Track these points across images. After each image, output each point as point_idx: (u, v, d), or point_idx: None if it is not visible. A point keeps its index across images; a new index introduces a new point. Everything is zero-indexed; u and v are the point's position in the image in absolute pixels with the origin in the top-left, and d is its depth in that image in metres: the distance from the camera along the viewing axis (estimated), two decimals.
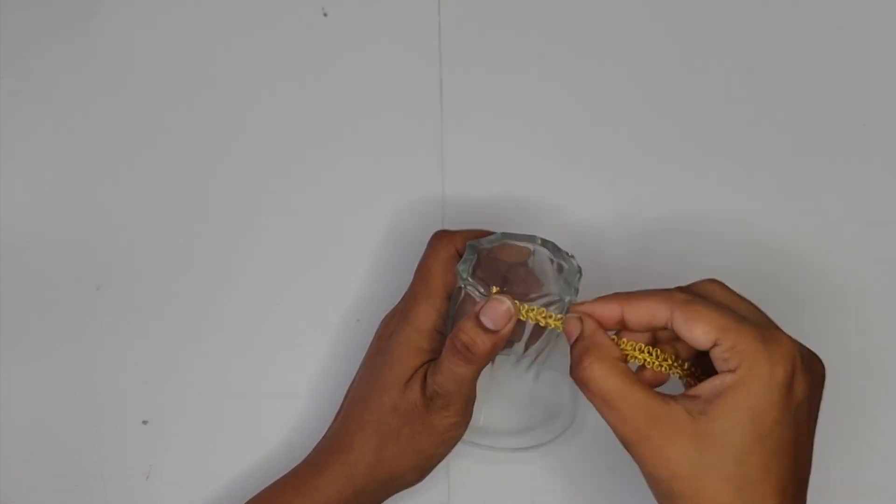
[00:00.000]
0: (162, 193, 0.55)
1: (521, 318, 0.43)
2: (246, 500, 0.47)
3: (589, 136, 0.56)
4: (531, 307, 0.43)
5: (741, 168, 0.56)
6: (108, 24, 0.57)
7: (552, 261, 0.46)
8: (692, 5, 0.57)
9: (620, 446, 0.40)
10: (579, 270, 0.45)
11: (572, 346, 0.42)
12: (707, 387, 0.39)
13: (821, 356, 0.42)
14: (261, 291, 0.54)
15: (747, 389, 0.38)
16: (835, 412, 0.45)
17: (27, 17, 0.56)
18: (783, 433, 0.38)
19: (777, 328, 0.41)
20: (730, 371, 0.38)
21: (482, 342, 0.42)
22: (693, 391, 0.39)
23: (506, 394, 0.50)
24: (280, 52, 0.57)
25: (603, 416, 0.40)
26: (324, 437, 0.48)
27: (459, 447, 0.47)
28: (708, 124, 0.57)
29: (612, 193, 0.56)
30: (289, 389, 0.54)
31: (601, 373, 0.40)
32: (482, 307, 0.43)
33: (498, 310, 0.42)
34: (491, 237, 0.46)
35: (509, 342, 0.45)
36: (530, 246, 0.46)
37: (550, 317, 0.43)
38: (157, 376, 0.53)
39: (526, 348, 0.46)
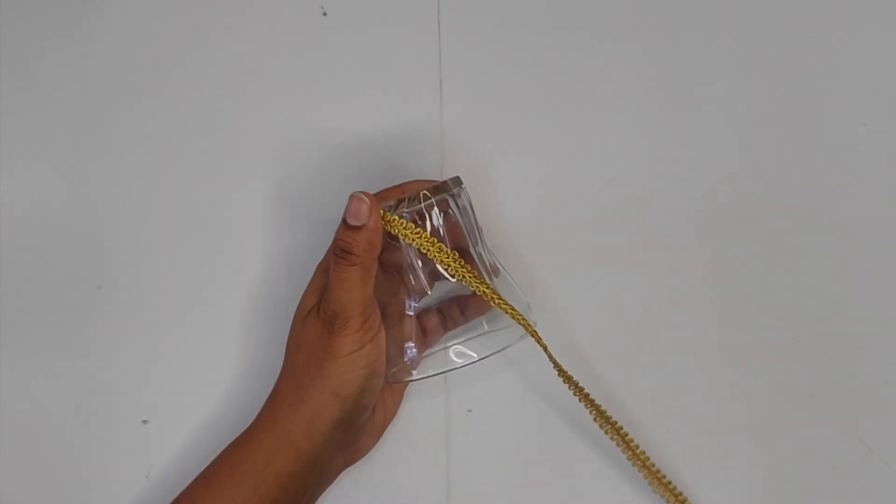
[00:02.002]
0: (163, 193, 0.55)
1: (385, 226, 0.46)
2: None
3: (589, 135, 0.56)
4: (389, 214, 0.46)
5: (741, 168, 0.56)
6: (108, 24, 0.57)
7: (451, 199, 0.48)
8: (692, 6, 0.57)
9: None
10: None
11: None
12: None
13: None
14: (261, 293, 0.55)
15: None
16: None
17: (27, 17, 0.57)
18: None
19: None
20: None
21: (355, 240, 0.45)
22: None
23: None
24: (279, 51, 0.57)
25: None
26: None
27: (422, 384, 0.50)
28: (707, 124, 0.56)
29: (612, 191, 0.56)
30: None
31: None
32: (345, 209, 0.46)
33: (358, 206, 0.46)
34: (388, 204, 0.48)
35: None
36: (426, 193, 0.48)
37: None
38: (157, 376, 0.54)
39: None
